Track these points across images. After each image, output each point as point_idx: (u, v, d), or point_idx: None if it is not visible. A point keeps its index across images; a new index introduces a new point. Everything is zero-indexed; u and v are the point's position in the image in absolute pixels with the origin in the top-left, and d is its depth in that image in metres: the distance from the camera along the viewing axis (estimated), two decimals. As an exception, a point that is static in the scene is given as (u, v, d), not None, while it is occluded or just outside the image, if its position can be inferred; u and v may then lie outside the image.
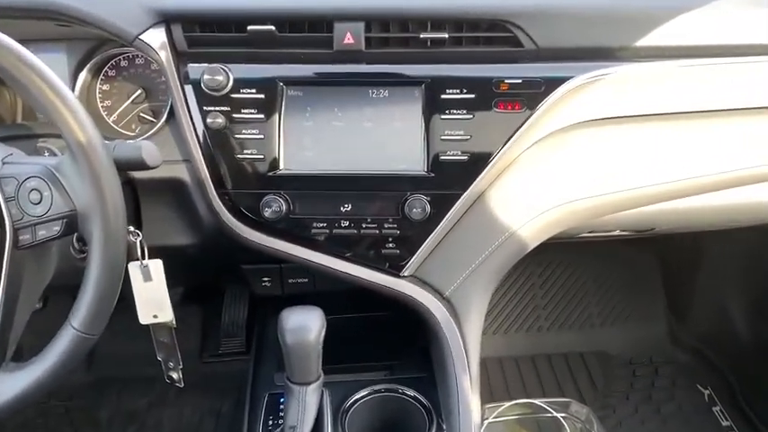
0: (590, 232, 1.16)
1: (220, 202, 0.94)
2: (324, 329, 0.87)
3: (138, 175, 0.94)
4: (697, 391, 1.61)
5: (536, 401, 1.26)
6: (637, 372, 1.67)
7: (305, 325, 0.85)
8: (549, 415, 1.25)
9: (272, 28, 0.90)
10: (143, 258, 0.91)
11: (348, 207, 0.94)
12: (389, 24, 0.92)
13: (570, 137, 0.96)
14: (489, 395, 1.58)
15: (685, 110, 0.98)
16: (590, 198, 0.98)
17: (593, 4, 0.99)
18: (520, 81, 0.92)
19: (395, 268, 0.96)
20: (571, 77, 0.93)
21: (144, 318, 0.94)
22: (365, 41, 0.91)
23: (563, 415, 1.24)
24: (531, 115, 0.93)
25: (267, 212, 0.92)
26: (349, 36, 0.91)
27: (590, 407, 1.56)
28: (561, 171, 0.97)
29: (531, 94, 0.93)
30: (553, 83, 0.93)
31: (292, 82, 0.93)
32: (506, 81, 0.92)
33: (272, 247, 0.95)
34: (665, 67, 0.96)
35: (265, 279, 1.13)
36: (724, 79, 0.98)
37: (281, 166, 0.93)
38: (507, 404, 1.25)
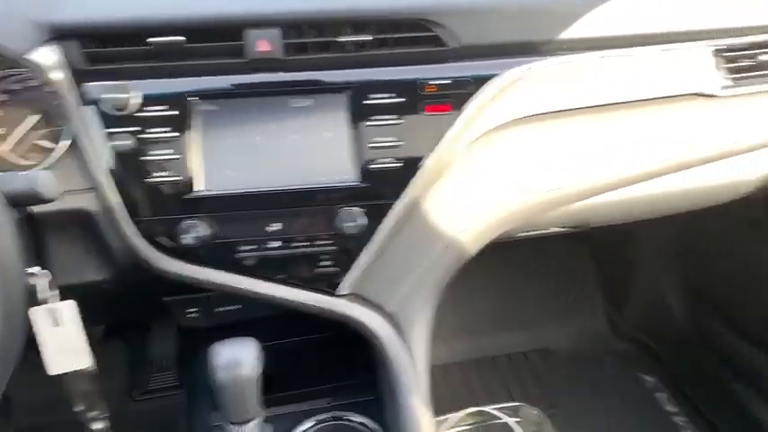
0: (526, 231, 1.13)
1: (134, 231, 0.85)
2: (259, 362, 0.80)
3: (38, 209, 0.85)
4: (641, 380, 1.62)
5: (486, 409, 1.23)
6: (580, 366, 1.67)
7: (238, 359, 0.78)
8: (501, 421, 1.22)
9: (180, 38, 0.83)
10: (51, 301, 0.82)
11: (277, 226, 0.87)
12: (306, 29, 0.87)
13: (503, 136, 0.93)
14: (437, 406, 1.54)
15: (612, 101, 0.97)
16: (528, 198, 0.95)
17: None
18: (447, 81, 0.88)
19: (331, 287, 0.91)
20: (498, 74, 0.90)
21: (56, 367, 0.84)
22: (283, 48, 0.85)
23: (515, 420, 1.22)
24: (461, 116, 0.89)
25: (187, 239, 0.84)
26: (264, 43, 0.85)
27: (538, 405, 1.56)
28: (498, 172, 0.94)
29: (460, 94, 0.89)
30: (480, 81, 0.90)
31: (206, 95, 0.85)
32: (432, 82, 0.88)
33: (195, 277, 0.87)
34: (590, 58, 0.94)
35: (191, 310, 1.05)
36: (648, 68, 0.98)
37: (200, 186, 0.85)
38: (458, 415, 1.21)
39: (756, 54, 1.04)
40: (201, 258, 0.87)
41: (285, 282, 0.89)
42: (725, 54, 1.02)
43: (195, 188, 0.85)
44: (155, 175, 0.84)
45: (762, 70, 1.04)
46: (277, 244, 0.87)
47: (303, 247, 0.88)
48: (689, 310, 1.57)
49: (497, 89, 0.90)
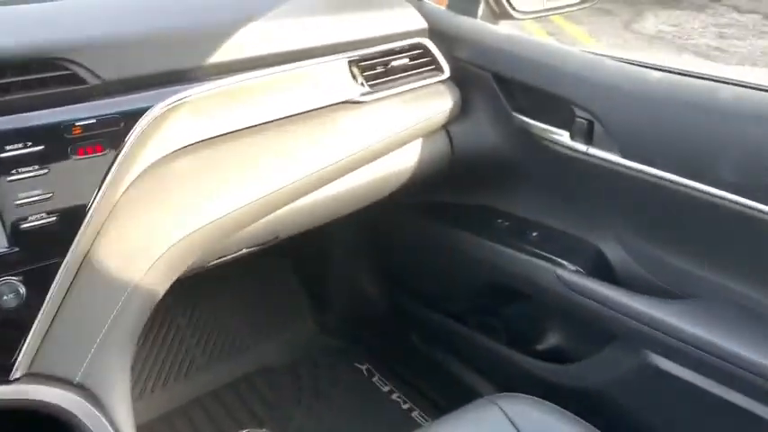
0: (218, 258, 1.12)
1: None
2: None
3: None
4: (356, 370, 1.73)
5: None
6: (300, 373, 1.71)
7: None
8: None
9: None
10: None
11: None
12: None
13: (173, 165, 0.90)
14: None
15: (270, 119, 1.01)
16: (206, 225, 0.93)
17: (154, 28, 0.95)
18: (94, 121, 0.82)
19: (3, 373, 0.78)
20: (150, 107, 0.86)
21: None
22: None
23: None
24: (117, 155, 0.83)
25: None
26: None
27: (269, 425, 1.56)
28: (169, 205, 0.90)
29: (111, 133, 0.83)
30: (132, 116, 0.85)
31: None
32: (78, 124, 0.81)
33: None
34: (242, 79, 0.97)
35: None
36: (297, 83, 1.04)
37: None
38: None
39: (389, 61, 1.18)
40: None
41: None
42: (360, 64, 1.13)
43: None
44: None
45: (394, 74, 1.19)
46: None
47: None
48: (384, 293, 1.72)
49: (154, 121, 0.86)
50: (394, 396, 1.65)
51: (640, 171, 1.06)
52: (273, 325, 1.80)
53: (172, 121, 0.89)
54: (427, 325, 1.61)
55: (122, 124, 0.84)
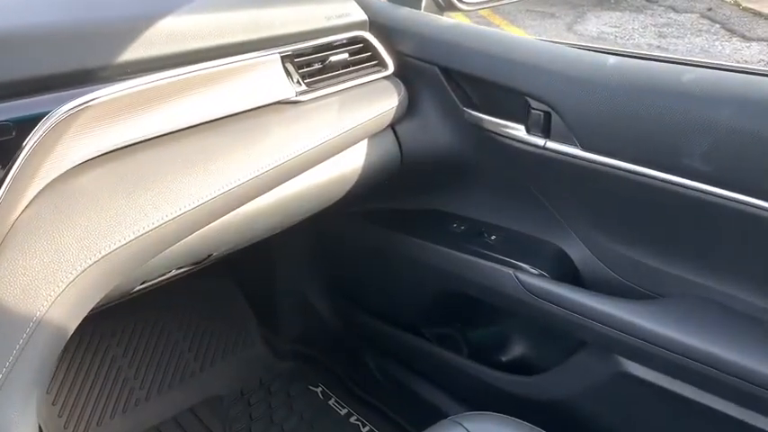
0: (143, 283, 0.99)
1: None
2: None
3: None
4: (311, 393, 1.61)
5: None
6: (251, 400, 1.59)
7: None
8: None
9: None
10: None
11: None
12: None
13: (80, 179, 0.78)
14: None
15: (194, 122, 0.90)
16: (119, 248, 0.80)
17: (54, 22, 0.83)
18: None
19: None
20: (48, 112, 0.75)
21: None
22: None
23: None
24: (10, 169, 0.71)
25: None
26: None
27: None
28: (75, 227, 0.77)
29: (2, 144, 0.71)
30: (27, 123, 0.73)
31: None
32: None
33: None
34: (160, 79, 0.85)
35: None
36: (232, 80, 0.93)
37: None
38: None
39: (327, 56, 1.08)
40: None
41: None
42: (295, 60, 1.03)
43: None
44: None
45: (333, 71, 1.09)
46: None
47: None
48: (333, 308, 1.61)
49: (51, 130, 0.75)
50: (352, 419, 1.54)
51: (602, 164, 0.99)
52: (219, 350, 1.68)
53: (75, 129, 0.77)
54: (383, 340, 1.51)
55: (15, 133, 0.72)
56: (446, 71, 1.14)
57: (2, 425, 0.71)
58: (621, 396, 1.06)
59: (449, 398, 1.39)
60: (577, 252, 1.12)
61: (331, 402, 1.59)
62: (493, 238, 1.19)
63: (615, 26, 6.17)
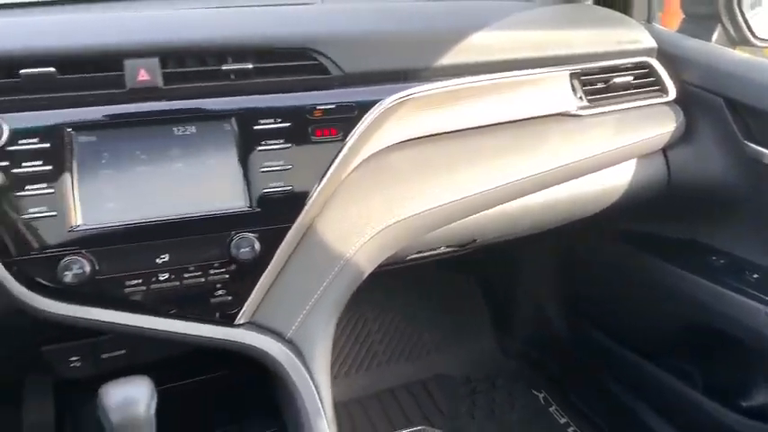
0: (417, 253, 1.16)
1: (6, 273, 0.79)
2: (155, 399, 0.75)
3: None
4: (533, 396, 1.68)
5: (390, 436, 1.22)
6: (477, 389, 1.71)
7: (132, 397, 0.73)
8: (407, 445, 1.22)
9: (52, 70, 0.80)
10: None
11: (166, 257, 0.83)
12: (187, 58, 0.86)
13: (392, 157, 0.97)
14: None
15: (486, 123, 1.04)
16: (411, 216, 0.98)
17: (392, 30, 1.03)
18: (333, 106, 0.91)
19: (228, 318, 0.88)
20: (381, 99, 0.94)
21: None
22: (163, 77, 0.84)
23: (421, 441, 1.22)
24: (349, 139, 0.91)
25: (67, 277, 0.78)
26: (143, 73, 0.84)
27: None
28: (388, 190, 0.97)
29: (346, 119, 0.92)
30: (365, 106, 0.93)
31: (83, 126, 0.82)
32: (319, 107, 0.90)
33: (79, 317, 0.81)
34: (466, 83, 1.01)
35: (74, 359, 0.97)
36: (516, 91, 1.06)
37: (79, 221, 0.80)
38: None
39: (611, 77, 1.16)
40: (85, 297, 0.81)
41: (178, 316, 0.85)
42: (582, 77, 1.12)
43: (73, 223, 0.80)
44: (28, 211, 0.78)
45: (615, 91, 1.16)
46: (166, 276, 0.84)
47: (195, 277, 0.85)
48: (568, 323, 1.66)
49: (383, 113, 0.94)
50: (570, 430, 1.58)
51: None
52: (455, 337, 1.82)
53: (397, 116, 0.96)
54: (615, 360, 1.52)
55: (356, 112, 0.92)
56: (731, 103, 1.14)
57: (312, 333, 0.91)
58: None
59: (675, 430, 1.37)
60: None
61: (551, 409, 1.64)
62: (756, 276, 1.16)
63: None
